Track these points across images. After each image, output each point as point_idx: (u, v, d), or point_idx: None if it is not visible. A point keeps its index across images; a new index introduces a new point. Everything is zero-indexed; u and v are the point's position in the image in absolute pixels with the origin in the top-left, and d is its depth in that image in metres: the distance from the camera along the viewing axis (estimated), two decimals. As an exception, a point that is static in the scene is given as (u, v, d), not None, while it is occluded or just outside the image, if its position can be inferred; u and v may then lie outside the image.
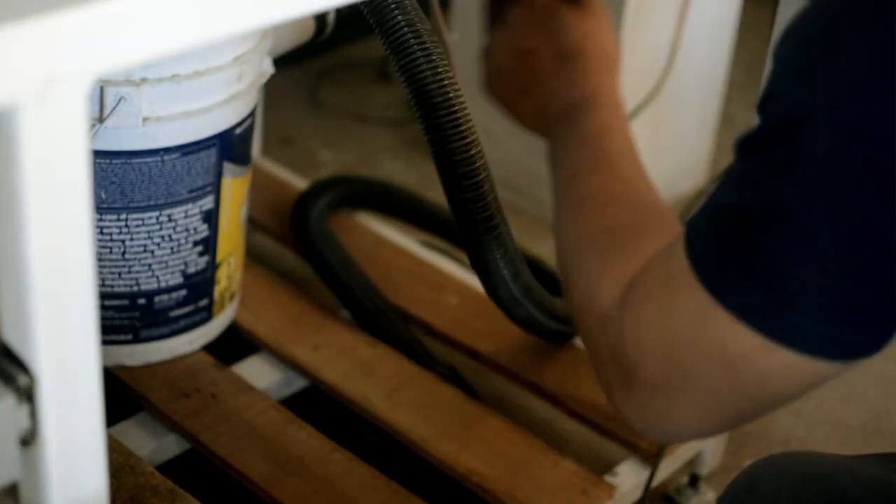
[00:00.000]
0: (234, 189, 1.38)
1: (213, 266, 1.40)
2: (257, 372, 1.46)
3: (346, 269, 1.58)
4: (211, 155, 1.31)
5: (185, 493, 1.22)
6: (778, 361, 0.77)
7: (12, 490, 0.75)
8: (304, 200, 1.66)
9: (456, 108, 1.12)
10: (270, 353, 1.49)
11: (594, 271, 0.90)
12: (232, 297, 1.47)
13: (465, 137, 1.13)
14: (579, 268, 0.93)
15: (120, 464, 1.24)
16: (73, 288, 0.69)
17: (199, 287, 1.40)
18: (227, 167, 1.35)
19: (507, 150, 2.08)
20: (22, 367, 0.70)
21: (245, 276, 1.53)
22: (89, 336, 0.71)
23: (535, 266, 1.67)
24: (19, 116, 0.63)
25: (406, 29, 1.10)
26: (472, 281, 1.63)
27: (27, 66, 0.61)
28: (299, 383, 1.47)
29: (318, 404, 1.46)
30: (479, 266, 1.25)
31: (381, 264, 1.65)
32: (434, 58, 1.11)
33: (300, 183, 1.78)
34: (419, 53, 1.10)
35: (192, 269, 1.38)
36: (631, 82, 1.93)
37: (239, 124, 1.34)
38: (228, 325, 1.49)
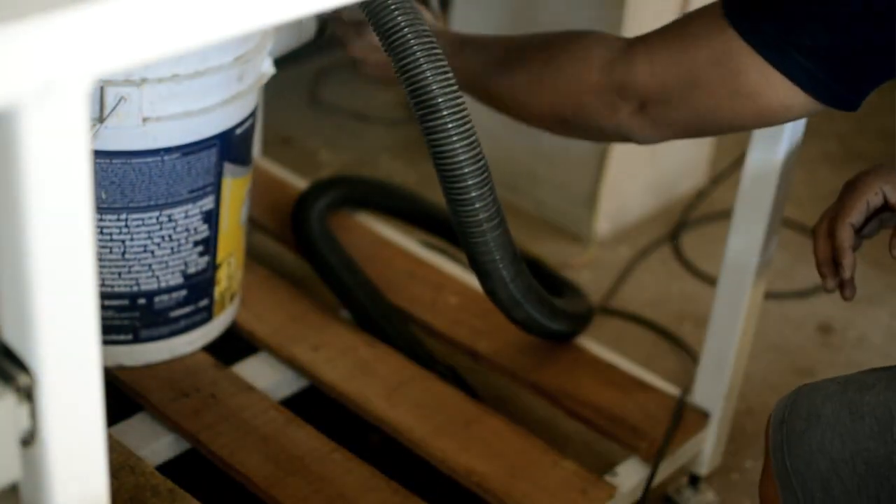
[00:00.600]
0: (235, 189, 1.38)
1: (213, 266, 1.40)
2: (257, 372, 1.46)
3: (346, 269, 1.58)
4: (211, 155, 1.31)
5: (185, 493, 1.22)
6: (778, 94, 1.06)
7: (12, 490, 0.75)
8: (304, 200, 1.66)
9: (457, 108, 1.12)
10: (270, 353, 1.49)
11: (576, 51, 1.19)
12: (232, 298, 1.47)
13: (466, 138, 1.13)
14: (556, 62, 1.21)
15: (120, 464, 1.24)
16: (73, 288, 0.69)
17: (199, 287, 1.40)
18: (228, 167, 1.35)
19: (507, 150, 2.08)
20: (22, 366, 0.70)
21: (245, 276, 1.53)
22: (89, 336, 0.71)
23: (535, 266, 1.67)
24: (20, 117, 0.63)
25: (407, 30, 1.10)
26: (472, 281, 1.63)
27: (27, 66, 0.61)
28: (299, 383, 1.47)
29: (318, 404, 1.46)
30: (479, 267, 1.25)
31: (381, 264, 1.65)
32: (435, 58, 1.11)
33: (300, 183, 1.79)
34: (420, 54, 1.10)
35: (192, 270, 1.38)
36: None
37: (240, 124, 1.34)
38: (229, 325, 1.49)
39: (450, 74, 1.12)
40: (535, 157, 2.07)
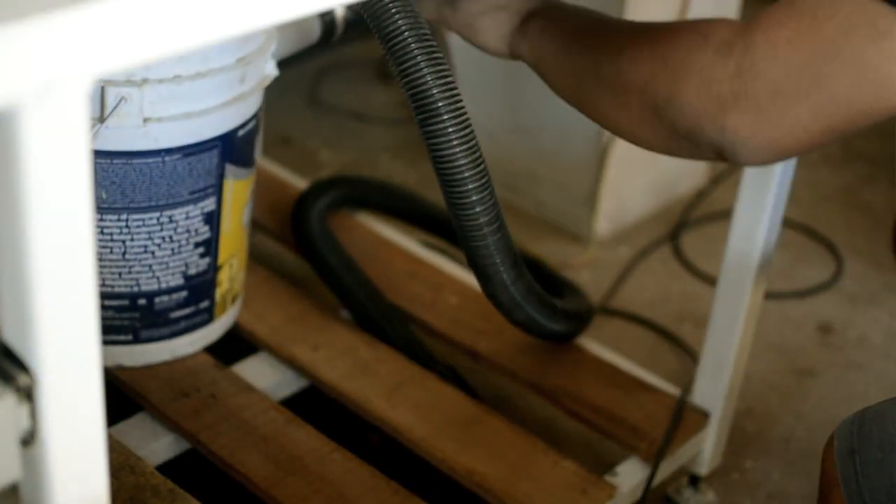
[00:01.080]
0: (237, 191, 1.38)
1: (214, 268, 1.40)
2: (257, 372, 1.46)
3: (346, 269, 1.58)
4: (213, 156, 1.31)
5: (185, 493, 1.22)
6: None
7: (12, 490, 0.75)
8: (304, 200, 1.66)
9: (457, 112, 1.12)
10: (270, 353, 1.49)
11: (698, 24, 1.01)
12: (234, 300, 1.47)
13: (467, 142, 1.13)
14: (672, 32, 1.03)
15: (120, 464, 1.24)
16: (73, 288, 0.69)
17: (200, 289, 1.40)
18: (230, 169, 1.35)
19: (507, 150, 2.08)
20: (22, 366, 0.70)
21: (245, 276, 1.53)
22: (90, 336, 0.71)
23: (535, 266, 1.67)
24: (20, 117, 0.63)
25: (408, 33, 1.10)
26: (472, 281, 1.63)
27: (27, 66, 0.61)
28: (299, 383, 1.47)
29: (318, 404, 1.46)
30: (479, 271, 1.25)
31: (381, 264, 1.65)
32: (436, 62, 1.11)
33: (300, 183, 1.79)
34: (421, 58, 1.10)
35: (192, 271, 1.38)
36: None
37: (242, 126, 1.34)
38: (231, 327, 1.49)
39: (450, 78, 1.12)
40: (535, 157, 2.07)
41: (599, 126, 1.14)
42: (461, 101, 1.13)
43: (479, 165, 1.14)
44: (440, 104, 1.11)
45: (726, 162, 1.01)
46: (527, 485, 1.32)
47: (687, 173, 2.19)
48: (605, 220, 2.05)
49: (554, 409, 1.50)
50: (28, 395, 0.70)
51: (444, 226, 1.73)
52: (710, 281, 1.93)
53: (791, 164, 1.33)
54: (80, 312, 0.70)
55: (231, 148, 1.33)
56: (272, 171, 1.82)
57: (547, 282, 1.63)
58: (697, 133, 0.99)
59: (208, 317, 1.43)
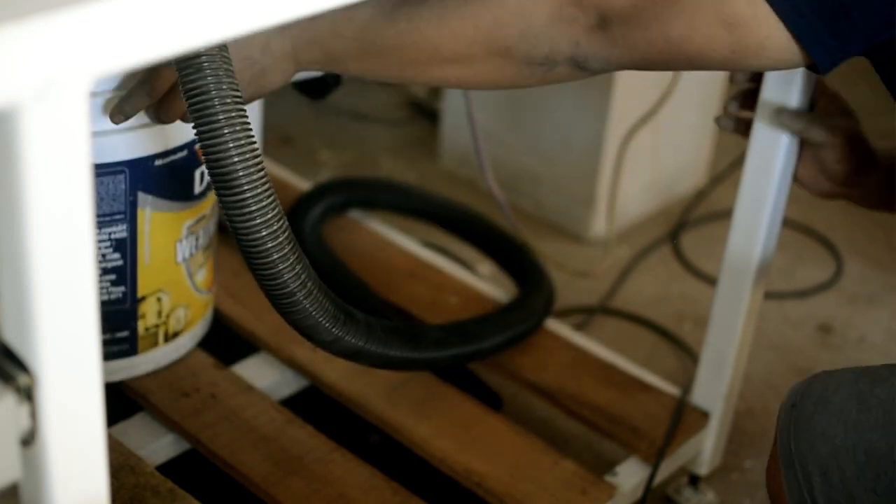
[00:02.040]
0: (159, 223, 1.30)
1: (132, 299, 1.33)
2: (257, 372, 1.46)
3: (340, 273, 1.57)
4: (118, 182, 1.25)
5: (185, 493, 1.22)
6: (760, 28, 1.02)
7: (12, 490, 0.75)
8: (300, 206, 1.66)
9: (259, 184, 1.06)
10: (270, 353, 1.49)
11: None
12: (174, 337, 1.40)
13: (267, 213, 1.07)
14: None
15: (120, 464, 1.24)
16: (73, 287, 0.69)
17: (114, 317, 1.33)
18: (146, 199, 1.27)
19: (507, 150, 2.08)
20: (22, 366, 0.70)
21: (245, 275, 1.52)
22: (89, 336, 0.71)
23: (535, 266, 1.67)
24: (20, 117, 0.63)
25: (214, 93, 1.03)
26: (473, 281, 1.63)
27: (27, 66, 0.61)
28: (299, 383, 1.47)
29: (318, 404, 1.46)
30: (304, 332, 1.19)
31: (381, 264, 1.65)
32: (238, 129, 1.04)
33: (300, 183, 1.79)
34: (223, 123, 1.04)
35: (103, 297, 1.31)
36: (631, 84, 1.93)
37: (160, 156, 1.27)
38: (167, 365, 1.41)
39: (253, 144, 1.06)
40: (535, 157, 2.07)
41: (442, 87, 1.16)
42: (264, 168, 1.07)
43: (279, 237, 1.09)
44: (242, 173, 1.05)
45: (578, 72, 1.11)
46: (526, 485, 1.32)
47: (687, 173, 2.19)
48: (606, 220, 2.06)
49: (554, 409, 1.50)
50: (28, 395, 0.70)
51: (444, 219, 1.74)
52: (710, 281, 1.93)
53: (791, 164, 1.33)
54: (80, 312, 0.70)
55: (144, 177, 1.26)
56: (272, 171, 1.82)
57: (545, 279, 1.63)
58: (556, 54, 1.09)
59: (129, 348, 1.36)
